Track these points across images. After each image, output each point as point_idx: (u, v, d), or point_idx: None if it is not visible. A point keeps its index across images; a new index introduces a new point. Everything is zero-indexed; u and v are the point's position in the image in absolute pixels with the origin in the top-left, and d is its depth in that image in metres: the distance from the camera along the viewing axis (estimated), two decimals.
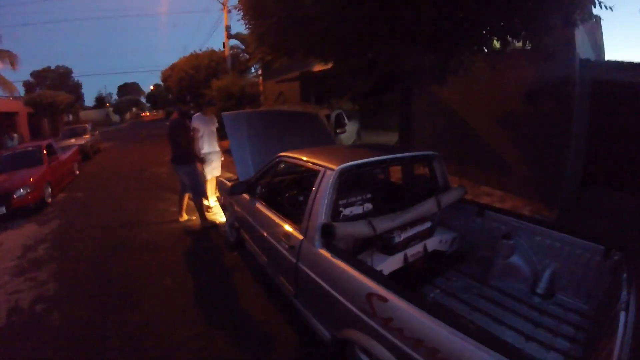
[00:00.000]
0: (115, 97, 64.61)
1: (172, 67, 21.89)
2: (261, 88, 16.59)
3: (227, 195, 4.17)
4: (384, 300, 1.83)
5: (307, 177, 3.64)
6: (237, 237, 4.35)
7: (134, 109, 60.90)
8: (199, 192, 5.23)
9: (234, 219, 4.28)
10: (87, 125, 16.27)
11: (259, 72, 18.89)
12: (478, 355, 1.42)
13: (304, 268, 2.47)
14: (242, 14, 4.84)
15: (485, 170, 6.48)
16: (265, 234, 3.14)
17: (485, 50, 4.19)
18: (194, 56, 20.42)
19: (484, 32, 3.77)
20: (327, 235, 2.36)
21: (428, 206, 2.87)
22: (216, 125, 5.85)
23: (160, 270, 4.04)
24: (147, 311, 3.28)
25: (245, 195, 3.64)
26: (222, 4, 16.39)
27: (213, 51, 20.68)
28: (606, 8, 3.46)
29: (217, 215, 5.76)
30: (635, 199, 4.73)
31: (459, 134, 6.92)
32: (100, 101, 59.38)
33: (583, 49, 5.53)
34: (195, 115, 5.70)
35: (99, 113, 49.79)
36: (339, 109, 9.20)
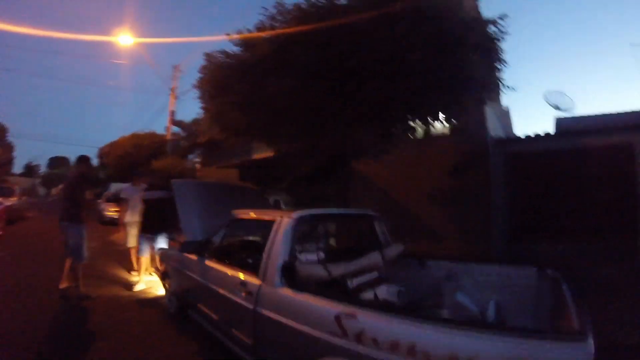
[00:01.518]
0: (44, 169, 59.72)
1: (112, 145, 22.28)
2: (199, 174, 16.73)
3: (175, 256, 4.02)
4: (353, 317, 1.87)
5: (262, 232, 3.67)
6: (177, 307, 4.03)
7: (60, 186, 55.49)
8: (82, 256, 4.66)
9: (177, 286, 4.01)
10: (15, 187, 14.93)
11: (198, 158, 19.34)
12: (452, 338, 1.54)
13: (264, 312, 2.40)
14: (199, 94, 5.29)
15: (419, 239, 7.00)
16: (218, 290, 3.01)
17: (414, 131, 5.07)
18: (136, 136, 20.89)
19: (412, 111, 4.58)
20: (288, 274, 2.40)
21: (374, 257, 3.09)
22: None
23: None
24: None
25: (194, 257, 3.53)
26: (170, 89, 17.09)
27: (154, 133, 21.19)
28: (508, 87, 4.58)
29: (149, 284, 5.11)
30: (553, 247, 5.52)
31: (393, 209, 7.54)
32: (30, 170, 54.54)
33: (494, 128, 6.90)
34: (125, 186, 5.85)
35: (27, 182, 44.24)
36: (277, 197, 9.58)
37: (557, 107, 8.30)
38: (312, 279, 2.65)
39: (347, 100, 4.13)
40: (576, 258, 5.34)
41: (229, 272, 2.96)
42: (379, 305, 1.88)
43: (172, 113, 17.33)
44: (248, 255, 3.24)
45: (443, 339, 1.59)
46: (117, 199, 7.23)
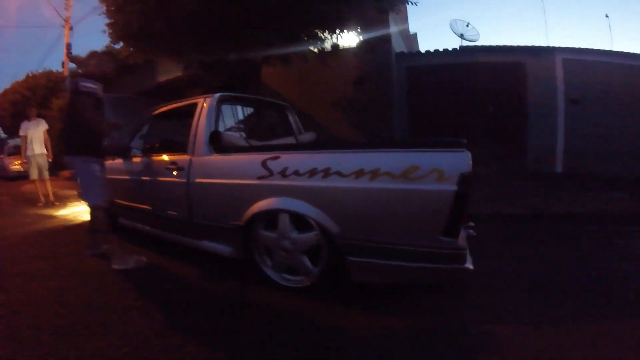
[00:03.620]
0: None
1: (4, 94, 20.29)
2: None
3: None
4: (276, 157, 2.16)
5: (184, 118, 3.67)
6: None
7: None
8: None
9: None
10: None
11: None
12: (359, 158, 1.89)
13: (198, 180, 2.57)
14: (104, 9, 4.92)
15: None
16: (149, 179, 3.08)
17: (322, 41, 5.28)
18: (31, 77, 19.26)
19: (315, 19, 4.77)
20: (216, 142, 2.58)
21: (289, 141, 3.41)
22: (45, 127, 5.99)
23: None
24: None
25: (118, 161, 3.47)
26: (65, 19, 14.77)
27: (51, 72, 19.58)
28: (411, 4, 4.90)
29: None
30: None
31: (300, 119, 7.93)
32: None
33: (399, 46, 7.43)
34: (22, 123, 5.88)
35: None
36: None
37: (461, 36, 9.03)
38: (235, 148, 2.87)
39: (252, 5, 4.16)
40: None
41: (158, 159, 3.02)
42: (297, 146, 2.14)
43: (68, 46, 15.27)
44: (174, 140, 3.28)
45: (352, 160, 1.91)
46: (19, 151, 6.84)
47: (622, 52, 7.20)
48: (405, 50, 8.36)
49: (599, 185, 5.60)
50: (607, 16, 32.37)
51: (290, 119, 3.83)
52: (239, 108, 3.65)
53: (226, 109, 3.46)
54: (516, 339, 1.64)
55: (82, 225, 4.26)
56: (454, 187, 1.66)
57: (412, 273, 1.88)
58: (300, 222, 2.09)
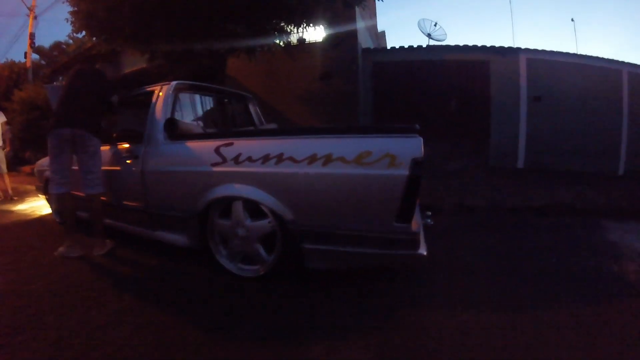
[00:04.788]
0: None
1: None
2: None
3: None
4: (230, 144, 2.09)
5: (140, 107, 3.53)
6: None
7: None
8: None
9: None
10: None
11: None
12: (314, 141, 1.86)
13: (152, 168, 2.48)
14: None
15: None
16: (105, 169, 2.91)
17: (288, 34, 5.26)
18: None
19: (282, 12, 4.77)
20: (171, 129, 2.48)
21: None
22: (3, 119, 5.70)
23: None
24: None
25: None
26: (29, 8, 13.89)
27: (13, 62, 18.73)
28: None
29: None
30: None
31: (266, 113, 7.88)
32: None
33: (366, 42, 7.48)
34: None
35: None
36: None
37: (429, 36, 9.22)
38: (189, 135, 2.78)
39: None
40: (431, 155, 6.52)
41: (116, 148, 2.89)
42: (251, 132, 2.08)
43: (32, 36, 14.42)
44: (131, 128, 3.14)
45: (305, 145, 1.88)
46: None
47: (584, 54, 7.56)
48: (373, 47, 8.45)
49: (556, 180, 5.86)
50: (572, 20, 34.19)
51: (251, 109, 3.75)
52: (198, 97, 3.54)
53: (184, 97, 3.35)
54: (465, 320, 1.66)
55: (41, 220, 4.11)
56: (406, 172, 1.66)
57: (365, 259, 1.87)
58: (255, 209, 2.04)
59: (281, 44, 5.67)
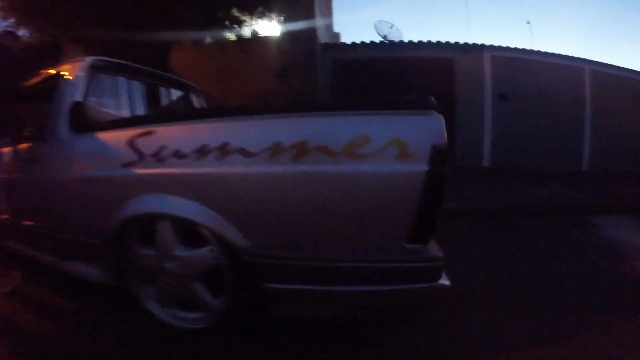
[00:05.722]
0: None
1: None
2: None
3: None
4: (149, 133, 1.38)
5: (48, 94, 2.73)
6: None
7: None
8: None
9: None
10: None
11: None
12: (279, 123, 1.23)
13: (52, 176, 1.73)
14: None
15: None
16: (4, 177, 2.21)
17: (240, 24, 4.72)
18: None
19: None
20: (77, 118, 1.72)
21: None
22: None
23: None
24: None
25: None
26: None
27: None
28: None
29: None
30: None
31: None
32: None
33: (322, 38, 7.01)
34: None
35: None
36: None
37: (385, 37, 9.00)
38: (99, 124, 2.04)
39: None
40: None
41: (15, 149, 2.15)
42: (181, 114, 1.40)
43: None
44: (35, 122, 2.33)
45: (264, 130, 1.23)
46: None
47: (548, 52, 7.50)
48: (329, 41, 7.99)
49: (525, 179, 5.68)
50: (528, 23, 36.35)
51: (195, 102, 3.02)
52: (124, 81, 2.75)
53: (104, 80, 2.56)
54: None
55: None
56: (425, 167, 1.06)
57: (361, 301, 1.25)
58: (192, 231, 1.34)
59: (233, 36, 5.09)
